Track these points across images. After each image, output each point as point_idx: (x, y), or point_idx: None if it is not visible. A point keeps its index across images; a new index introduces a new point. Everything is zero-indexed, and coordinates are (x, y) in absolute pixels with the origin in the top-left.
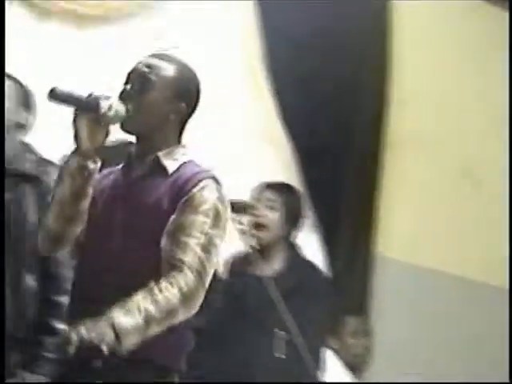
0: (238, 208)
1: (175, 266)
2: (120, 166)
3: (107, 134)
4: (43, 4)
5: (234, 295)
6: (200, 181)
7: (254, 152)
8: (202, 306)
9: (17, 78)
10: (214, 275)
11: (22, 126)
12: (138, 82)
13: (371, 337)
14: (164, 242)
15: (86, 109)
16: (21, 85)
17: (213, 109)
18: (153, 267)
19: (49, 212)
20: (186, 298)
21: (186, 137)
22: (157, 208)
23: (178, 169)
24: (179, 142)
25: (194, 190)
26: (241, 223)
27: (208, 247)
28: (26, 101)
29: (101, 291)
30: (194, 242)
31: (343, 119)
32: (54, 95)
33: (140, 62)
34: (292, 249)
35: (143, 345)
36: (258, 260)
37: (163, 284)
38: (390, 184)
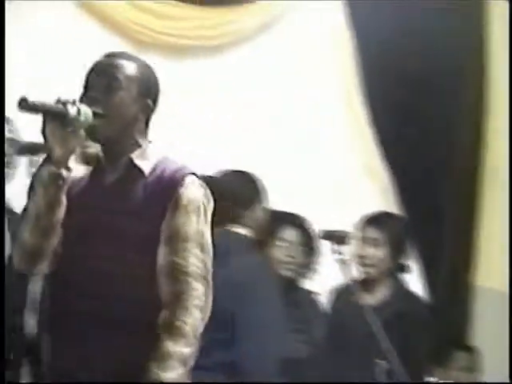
0: (338, 238)
1: (180, 280)
2: (87, 172)
3: (79, 140)
4: (141, 36)
5: (335, 325)
6: (183, 178)
7: (353, 182)
8: (304, 337)
9: None
10: (317, 306)
11: None
12: (104, 83)
13: (476, 373)
14: (162, 251)
15: (55, 114)
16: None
17: (311, 140)
18: (145, 273)
19: (23, 226)
20: (203, 312)
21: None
22: (140, 211)
23: (154, 169)
24: (146, 140)
25: (181, 189)
26: (340, 253)
27: (205, 245)
28: None
29: (86, 301)
30: (193, 245)
31: (442, 145)
32: (24, 105)
33: (100, 63)
34: (395, 279)
35: None
36: (361, 291)
37: (181, 313)
38: (489, 213)
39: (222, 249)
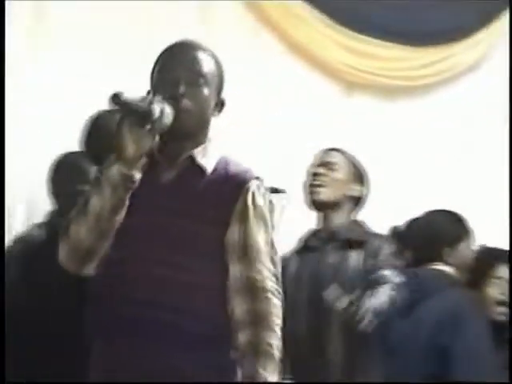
0: None
1: (259, 296)
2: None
3: (153, 141)
4: (348, 77)
5: None
6: (248, 184)
7: None
8: None
9: (350, 154)
10: None
11: (357, 200)
12: (190, 77)
13: None
14: (234, 264)
15: (140, 113)
16: (353, 159)
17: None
18: (210, 281)
19: (80, 225)
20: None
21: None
22: (202, 213)
23: (215, 168)
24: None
25: (248, 195)
26: None
27: (275, 257)
28: (359, 174)
29: (138, 308)
30: (265, 257)
31: None
32: (116, 101)
33: (180, 54)
34: None
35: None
36: None
37: (268, 335)
38: None
39: (427, 286)
